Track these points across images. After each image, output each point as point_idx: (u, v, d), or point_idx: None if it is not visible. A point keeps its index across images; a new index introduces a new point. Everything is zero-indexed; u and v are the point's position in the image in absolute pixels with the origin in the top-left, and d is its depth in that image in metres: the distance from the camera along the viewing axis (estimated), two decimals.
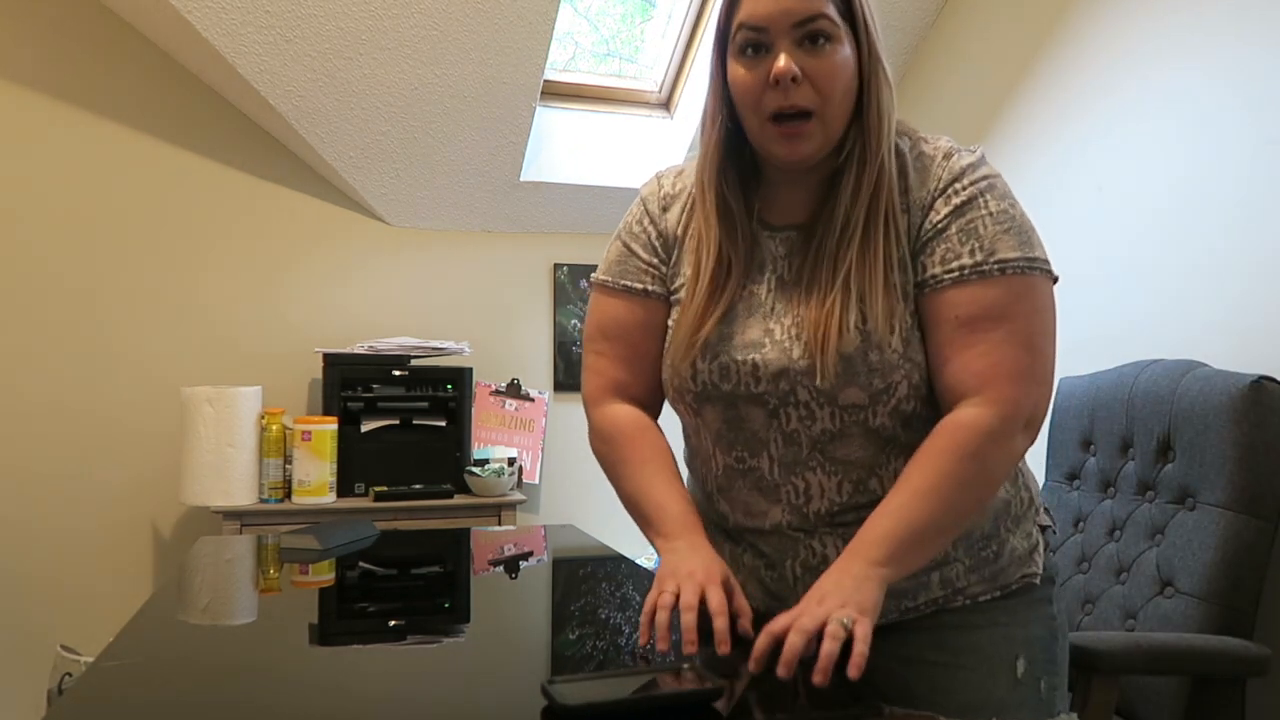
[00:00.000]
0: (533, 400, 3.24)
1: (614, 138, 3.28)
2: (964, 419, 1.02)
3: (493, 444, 3.15)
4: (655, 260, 1.20)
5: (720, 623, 0.96)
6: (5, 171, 2.82)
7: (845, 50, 1.04)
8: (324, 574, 1.48)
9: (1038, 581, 1.14)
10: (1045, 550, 1.17)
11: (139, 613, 1.20)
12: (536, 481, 3.22)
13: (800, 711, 0.89)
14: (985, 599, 1.11)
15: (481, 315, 3.29)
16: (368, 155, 2.97)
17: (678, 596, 0.97)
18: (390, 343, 2.98)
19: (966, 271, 1.04)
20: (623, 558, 1.58)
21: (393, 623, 1.18)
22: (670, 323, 1.17)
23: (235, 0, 2.50)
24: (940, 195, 1.07)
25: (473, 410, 3.10)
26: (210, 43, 2.58)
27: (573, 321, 3.36)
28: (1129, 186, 2.29)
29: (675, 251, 1.20)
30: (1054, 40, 2.54)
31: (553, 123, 3.18)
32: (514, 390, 3.23)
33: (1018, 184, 2.59)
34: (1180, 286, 2.15)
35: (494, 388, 3.21)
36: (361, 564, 1.54)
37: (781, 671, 0.88)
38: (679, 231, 1.19)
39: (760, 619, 1.12)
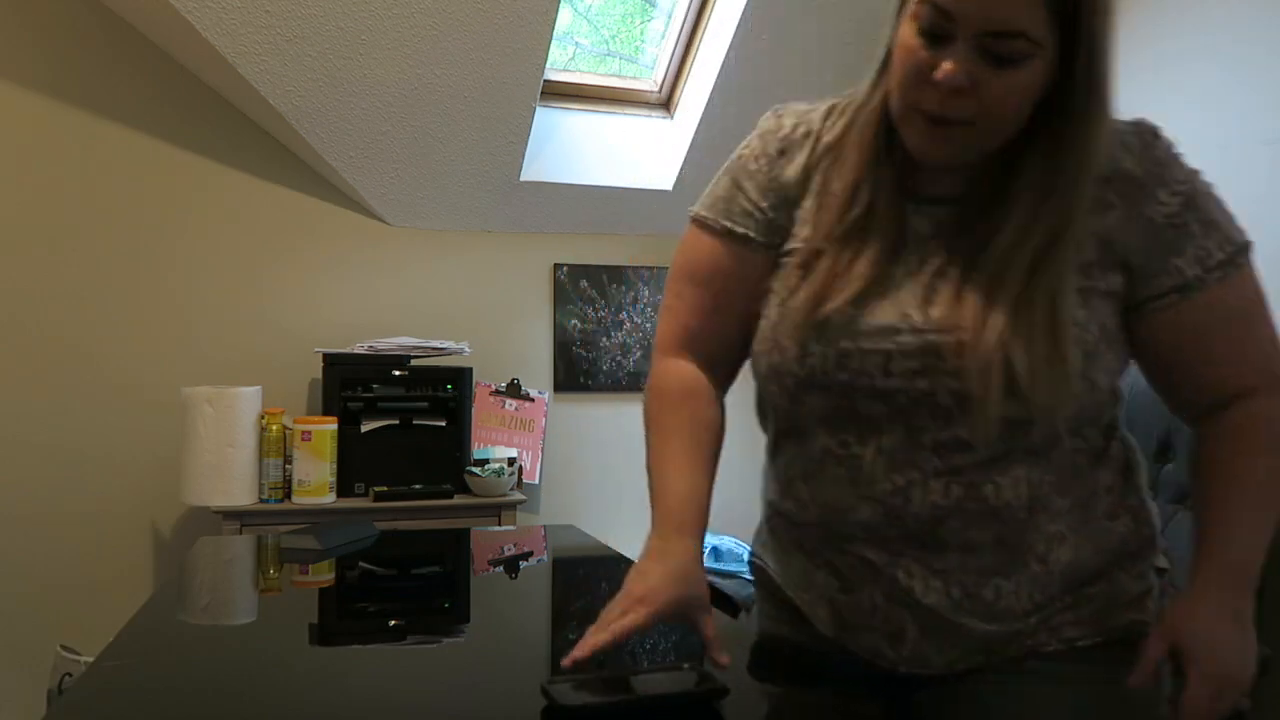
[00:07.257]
0: (533, 400, 3.24)
1: (614, 138, 3.28)
2: (1262, 411, 0.98)
3: (493, 444, 3.15)
4: (765, 205, 1.05)
5: (597, 638, 0.88)
6: (5, 171, 2.82)
7: (1035, 69, 0.89)
8: (324, 574, 1.48)
9: (1148, 631, 0.97)
10: (1161, 596, 1.03)
11: (139, 613, 1.20)
12: (536, 481, 3.22)
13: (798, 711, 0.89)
14: (1084, 644, 0.97)
15: (481, 315, 3.29)
16: (368, 155, 2.97)
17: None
18: (390, 343, 2.97)
19: (1228, 268, 0.98)
20: (623, 558, 1.58)
21: (393, 623, 1.18)
22: (775, 285, 1.02)
23: (235, 1, 2.50)
24: (1161, 184, 0.97)
25: (473, 410, 3.09)
26: (210, 43, 2.58)
27: (572, 321, 3.36)
28: None
29: (790, 208, 1.04)
30: None
31: (553, 123, 3.18)
32: (514, 390, 3.23)
33: None
34: None
35: (494, 388, 3.21)
36: (361, 564, 1.54)
37: None
38: (797, 186, 1.04)
39: (825, 647, 1.02)
